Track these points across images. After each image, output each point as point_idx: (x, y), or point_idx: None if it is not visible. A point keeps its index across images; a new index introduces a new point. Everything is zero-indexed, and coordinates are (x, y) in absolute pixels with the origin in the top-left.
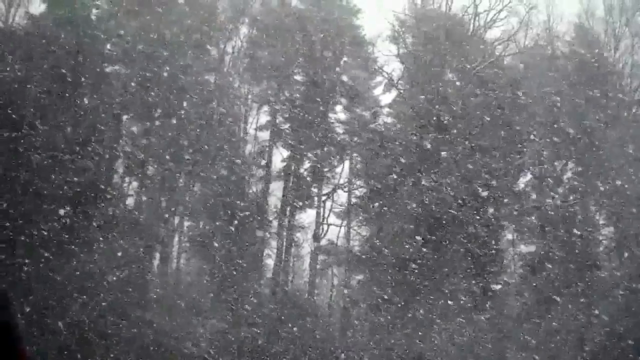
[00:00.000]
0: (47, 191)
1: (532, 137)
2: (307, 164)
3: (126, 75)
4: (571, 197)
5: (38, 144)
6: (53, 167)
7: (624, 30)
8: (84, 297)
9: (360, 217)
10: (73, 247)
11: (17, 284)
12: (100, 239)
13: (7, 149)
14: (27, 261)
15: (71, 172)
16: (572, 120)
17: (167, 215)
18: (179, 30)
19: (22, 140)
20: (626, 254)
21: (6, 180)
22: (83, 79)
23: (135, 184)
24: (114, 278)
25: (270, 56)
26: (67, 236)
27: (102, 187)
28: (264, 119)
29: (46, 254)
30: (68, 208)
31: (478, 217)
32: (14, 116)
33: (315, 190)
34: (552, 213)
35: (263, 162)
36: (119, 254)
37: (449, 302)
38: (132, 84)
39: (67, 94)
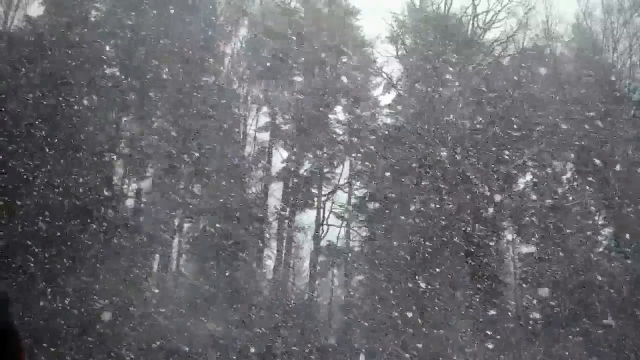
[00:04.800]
0: (46, 192)
1: (532, 137)
2: (306, 165)
3: (125, 76)
4: (571, 197)
5: (37, 147)
6: (52, 169)
7: (622, 31)
8: (83, 298)
9: (360, 218)
10: (72, 248)
11: (15, 285)
12: (100, 239)
13: (6, 151)
14: (26, 263)
15: (70, 174)
16: (571, 120)
17: (166, 217)
18: (178, 31)
19: (21, 144)
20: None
21: (5, 180)
22: (82, 81)
23: (134, 185)
24: (113, 280)
25: (270, 57)
26: (66, 237)
27: (102, 188)
28: (263, 120)
29: (46, 255)
30: (67, 209)
31: (478, 218)
32: (12, 119)
33: (315, 191)
34: (552, 213)
35: (263, 163)
36: (118, 255)
37: (449, 302)
38: (131, 85)
39: (66, 96)
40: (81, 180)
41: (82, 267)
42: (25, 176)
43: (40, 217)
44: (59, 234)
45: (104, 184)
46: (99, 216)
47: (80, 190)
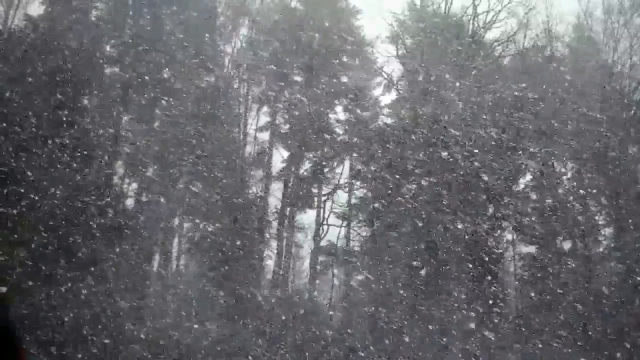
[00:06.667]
0: (46, 192)
1: (532, 137)
2: (307, 165)
3: (126, 76)
4: (571, 197)
5: (37, 146)
6: (52, 168)
7: (623, 31)
8: (82, 298)
9: (360, 218)
10: (72, 247)
11: (15, 284)
12: (99, 237)
13: (6, 151)
14: (26, 262)
15: (71, 173)
16: (572, 120)
17: (167, 217)
18: (179, 31)
19: (23, 143)
20: (626, 254)
21: (5, 179)
22: (82, 81)
23: (135, 185)
24: (113, 279)
25: (270, 57)
26: (65, 236)
27: (102, 188)
28: (263, 119)
29: (45, 255)
30: (67, 209)
31: (478, 217)
32: (14, 118)
33: (315, 190)
34: (552, 213)
35: (263, 163)
36: (118, 255)
37: (449, 302)
38: (132, 84)
39: (66, 96)
40: (83, 182)
41: (80, 268)
42: (24, 174)
43: (39, 215)
44: (57, 233)
45: (103, 183)
46: (99, 216)
47: (81, 190)
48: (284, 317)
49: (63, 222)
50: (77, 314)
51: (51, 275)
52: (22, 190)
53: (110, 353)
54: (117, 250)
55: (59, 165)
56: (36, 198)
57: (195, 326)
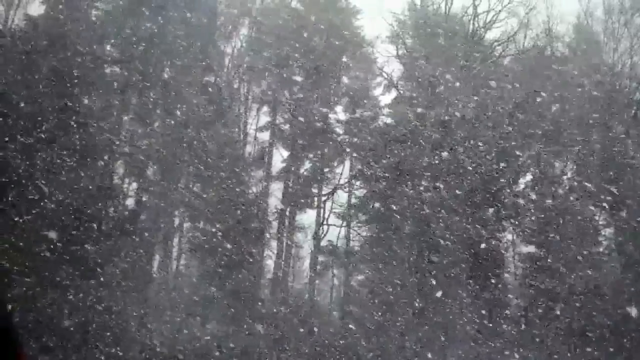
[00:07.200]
0: (47, 191)
1: (533, 137)
2: (307, 165)
3: (126, 76)
4: (571, 197)
5: (42, 149)
6: (53, 168)
7: (624, 31)
8: (82, 297)
9: (361, 218)
10: (77, 252)
11: (20, 290)
12: (104, 241)
13: (7, 150)
14: (31, 267)
15: (77, 177)
16: (572, 120)
17: (167, 216)
18: (180, 31)
19: (23, 143)
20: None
21: (10, 183)
22: (82, 81)
23: (135, 185)
24: (113, 279)
25: (271, 56)
26: (67, 236)
27: (106, 191)
28: (264, 119)
29: (50, 260)
30: (72, 213)
31: (478, 217)
32: (18, 121)
33: (315, 190)
34: (552, 213)
35: (263, 163)
36: (119, 254)
37: (452, 304)
38: (132, 84)
39: (70, 98)
40: (87, 186)
41: (80, 267)
42: (24, 174)
43: (40, 216)
44: (58, 233)
45: (103, 183)
46: (99, 215)
47: (92, 195)
48: (285, 319)
49: (68, 227)
50: (82, 319)
51: (56, 281)
52: (31, 197)
53: (115, 358)
54: (122, 254)
55: (63, 171)
56: (43, 204)
57: (200, 333)
